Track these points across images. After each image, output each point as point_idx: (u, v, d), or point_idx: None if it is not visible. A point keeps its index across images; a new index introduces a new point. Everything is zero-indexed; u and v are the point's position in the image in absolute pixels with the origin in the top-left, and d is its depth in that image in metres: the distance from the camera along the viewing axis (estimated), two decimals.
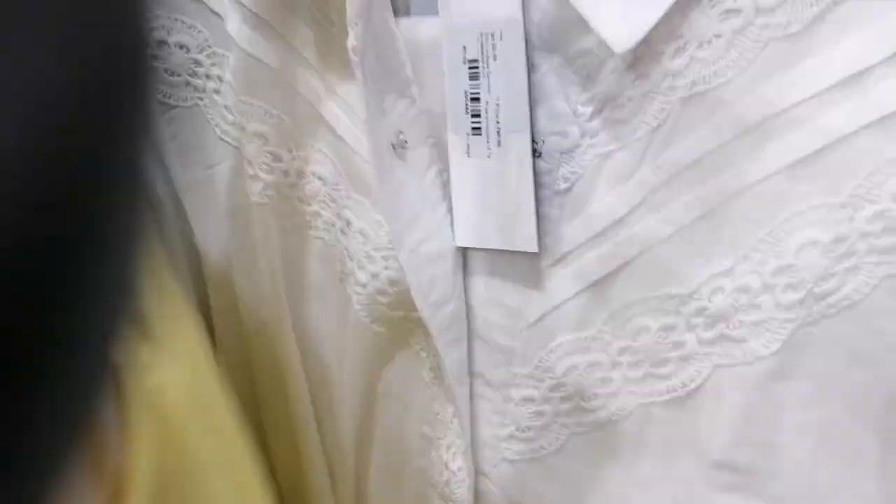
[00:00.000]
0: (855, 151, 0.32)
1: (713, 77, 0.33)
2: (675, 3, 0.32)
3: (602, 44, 0.33)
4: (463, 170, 0.39)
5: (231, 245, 0.47)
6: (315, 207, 0.45)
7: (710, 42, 0.33)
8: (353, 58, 0.36)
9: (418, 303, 0.39)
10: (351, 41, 0.36)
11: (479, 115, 0.38)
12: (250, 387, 0.50)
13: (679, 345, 0.37)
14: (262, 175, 0.44)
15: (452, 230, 0.40)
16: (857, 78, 0.31)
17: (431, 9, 0.38)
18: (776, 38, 0.32)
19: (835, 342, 0.34)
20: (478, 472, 0.43)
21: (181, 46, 0.44)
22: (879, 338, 0.34)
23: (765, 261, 0.34)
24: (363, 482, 0.49)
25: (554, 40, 0.36)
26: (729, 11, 0.32)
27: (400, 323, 0.44)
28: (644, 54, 0.34)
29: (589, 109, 0.36)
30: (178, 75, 0.45)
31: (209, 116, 0.46)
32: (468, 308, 0.42)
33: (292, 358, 0.47)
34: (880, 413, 0.35)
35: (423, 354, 0.44)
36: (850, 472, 0.36)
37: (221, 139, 0.46)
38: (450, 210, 0.40)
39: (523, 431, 0.41)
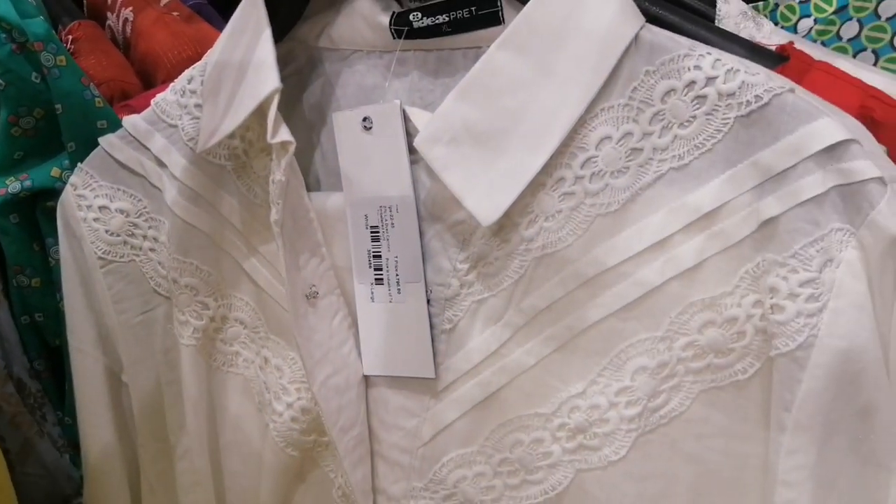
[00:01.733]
0: (666, 297, 0.42)
1: (558, 242, 0.43)
2: (526, 188, 0.42)
3: (473, 217, 0.43)
4: (368, 313, 0.47)
5: (162, 379, 0.53)
6: (236, 348, 0.52)
7: (553, 216, 0.43)
8: (276, 229, 0.44)
9: (328, 428, 0.46)
10: (273, 215, 0.44)
11: (381, 269, 0.47)
12: None
13: (547, 454, 0.45)
14: (192, 321, 0.51)
15: (360, 363, 0.48)
16: (661, 243, 0.41)
17: (337, 186, 0.48)
18: (602, 213, 0.42)
19: (671, 447, 0.43)
20: None
21: (122, 211, 0.52)
22: (700, 441, 0.43)
23: (609, 384, 0.43)
24: None
25: (436, 213, 0.45)
26: (566, 194, 0.42)
27: (311, 446, 0.50)
28: (505, 224, 0.43)
29: (466, 266, 0.45)
30: (118, 235, 0.52)
31: (144, 270, 0.53)
32: (371, 431, 0.49)
33: (210, 483, 0.53)
34: (713, 500, 0.43)
35: (332, 475, 0.51)
36: None
37: (155, 290, 0.53)
38: (354, 348, 0.48)
39: None
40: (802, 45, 0.52)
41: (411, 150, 0.45)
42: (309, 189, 0.48)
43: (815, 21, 0.61)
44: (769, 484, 0.42)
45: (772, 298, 0.40)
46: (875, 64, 0.58)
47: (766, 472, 0.42)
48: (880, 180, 0.38)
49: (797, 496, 0.41)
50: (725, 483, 0.43)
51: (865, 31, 0.58)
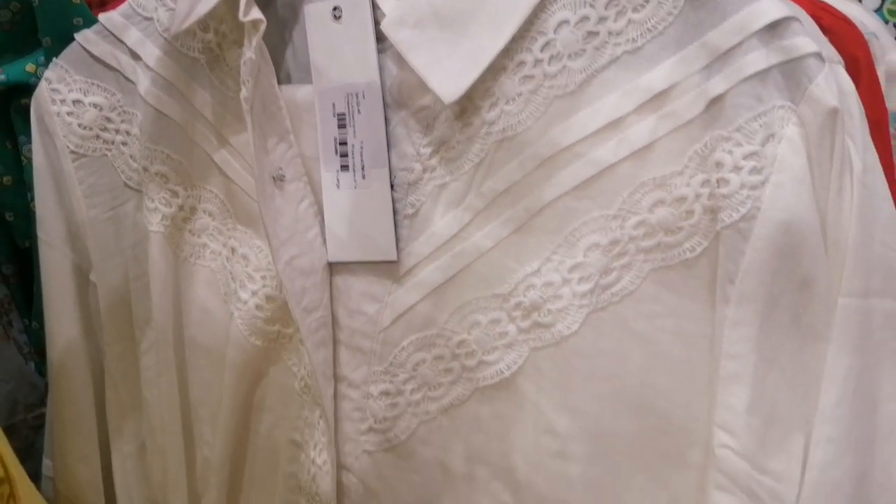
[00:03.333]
0: (618, 176, 0.44)
1: (517, 125, 0.45)
2: (487, 71, 0.43)
3: (437, 101, 0.45)
4: (334, 200, 0.49)
5: (130, 274, 0.54)
6: (204, 239, 0.53)
7: (514, 99, 0.44)
8: (245, 106, 0.45)
9: (292, 306, 0.47)
10: (244, 93, 0.45)
11: (346, 156, 0.48)
12: (136, 405, 0.56)
13: (503, 334, 0.46)
14: (161, 208, 0.52)
15: (324, 250, 0.49)
16: (615, 123, 0.43)
17: (307, 81, 0.49)
18: (559, 95, 0.44)
19: (622, 326, 0.44)
20: (340, 467, 0.50)
21: (95, 105, 0.53)
22: (651, 320, 0.44)
23: (563, 261, 0.45)
24: (234, 495, 0.54)
25: (402, 99, 0.47)
26: (526, 77, 0.44)
27: (275, 337, 0.51)
28: (467, 108, 0.45)
29: (429, 150, 0.46)
30: (90, 129, 0.53)
31: (115, 164, 0.54)
32: (334, 319, 0.50)
33: (174, 376, 0.54)
34: (657, 383, 0.45)
35: (295, 369, 0.52)
36: (639, 429, 0.45)
37: (126, 184, 0.54)
38: (320, 234, 0.49)
39: (380, 423, 0.49)
40: None
41: (379, 39, 0.46)
42: (280, 82, 0.49)
43: None
44: (715, 358, 0.43)
45: (718, 173, 0.41)
46: None
47: (713, 350, 0.44)
48: (818, 55, 0.40)
49: (741, 368, 0.42)
50: (675, 363, 0.44)
51: None
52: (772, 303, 0.42)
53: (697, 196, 0.43)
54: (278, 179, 0.48)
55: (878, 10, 0.58)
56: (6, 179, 0.57)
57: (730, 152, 0.41)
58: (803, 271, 0.42)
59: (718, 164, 0.42)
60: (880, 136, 0.53)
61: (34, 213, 0.55)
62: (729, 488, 0.43)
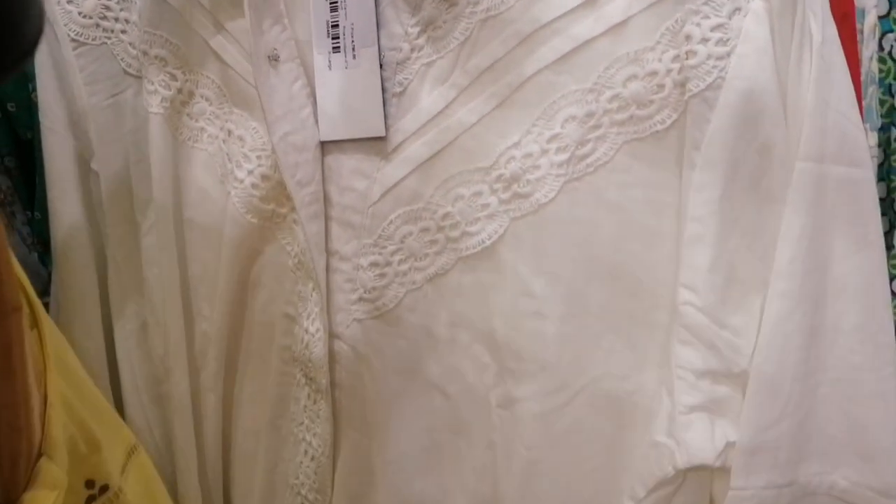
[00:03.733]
0: (595, 52, 0.46)
1: (501, 4, 0.47)
2: None
3: None
4: (326, 81, 0.51)
5: (130, 159, 0.57)
6: (201, 123, 0.55)
7: None
8: None
9: (286, 179, 0.50)
10: None
11: (338, 38, 0.51)
12: (137, 286, 0.58)
13: (485, 206, 0.49)
14: (160, 90, 0.54)
15: (316, 129, 0.52)
16: (592, 1, 0.46)
17: None
18: None
19: (596, 196, 0.47)
20: (332, 335, 0.53)
21: None
22: (623, 190, 0.47)
23: (542, 133, 0.48)
24: (231, 367, 0.58)
25: None
26: None
27: (269, 216, 0.54)
28: None
29: (416, 30, 0.49)
30: (90, 17, 0.55)
31: (115, 52, 0.56)
32: (326, 198, 0.53)
33: (174, 254, 0.57)
34: (627, 249, 0.48)
35: (289, 248, 0.55)
36: (610, 292, 0.48)
37: (125, 71, 0.56)
38: (312, 114, 0.52)
39: (369, 293, 0.52)
40: None
41: None
42: None
43: None
44: (681, 224, 0.47)
45: (687, 45, 0.44)
46: None
47: (680, 217, 0.47)
48: None
49: (704, 230, 0.46)
50: (645, 230, 0.48)
51: None
52: (734, 167, 0.45)
53: (668, 71, 0.46)
54: (273, 59, 0.50)
55: (885, 18, 0.60)
56: None
57: (698, 25, 0.44)
58: (764, 137, 0.45)
59: (688, 37, 0.44)
60: (847, 28, 0.56)
61: (36, 104, 0.57)
62: (691, 342, 0.46)
